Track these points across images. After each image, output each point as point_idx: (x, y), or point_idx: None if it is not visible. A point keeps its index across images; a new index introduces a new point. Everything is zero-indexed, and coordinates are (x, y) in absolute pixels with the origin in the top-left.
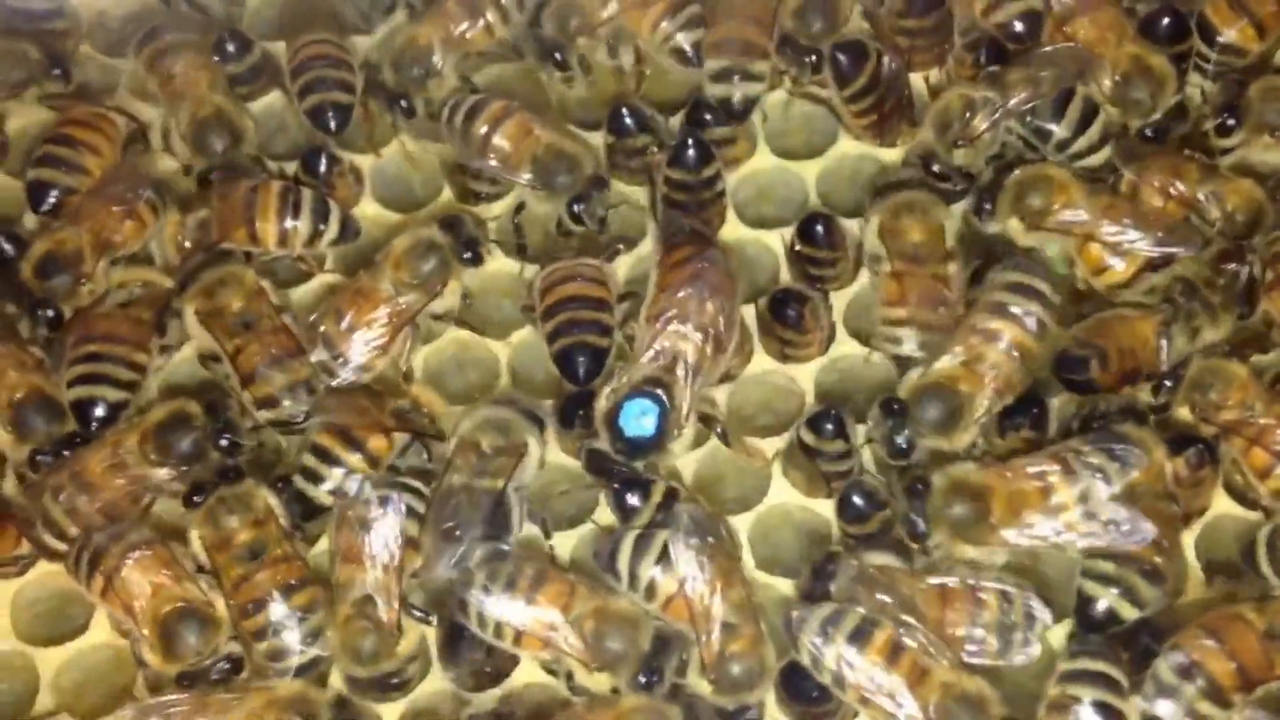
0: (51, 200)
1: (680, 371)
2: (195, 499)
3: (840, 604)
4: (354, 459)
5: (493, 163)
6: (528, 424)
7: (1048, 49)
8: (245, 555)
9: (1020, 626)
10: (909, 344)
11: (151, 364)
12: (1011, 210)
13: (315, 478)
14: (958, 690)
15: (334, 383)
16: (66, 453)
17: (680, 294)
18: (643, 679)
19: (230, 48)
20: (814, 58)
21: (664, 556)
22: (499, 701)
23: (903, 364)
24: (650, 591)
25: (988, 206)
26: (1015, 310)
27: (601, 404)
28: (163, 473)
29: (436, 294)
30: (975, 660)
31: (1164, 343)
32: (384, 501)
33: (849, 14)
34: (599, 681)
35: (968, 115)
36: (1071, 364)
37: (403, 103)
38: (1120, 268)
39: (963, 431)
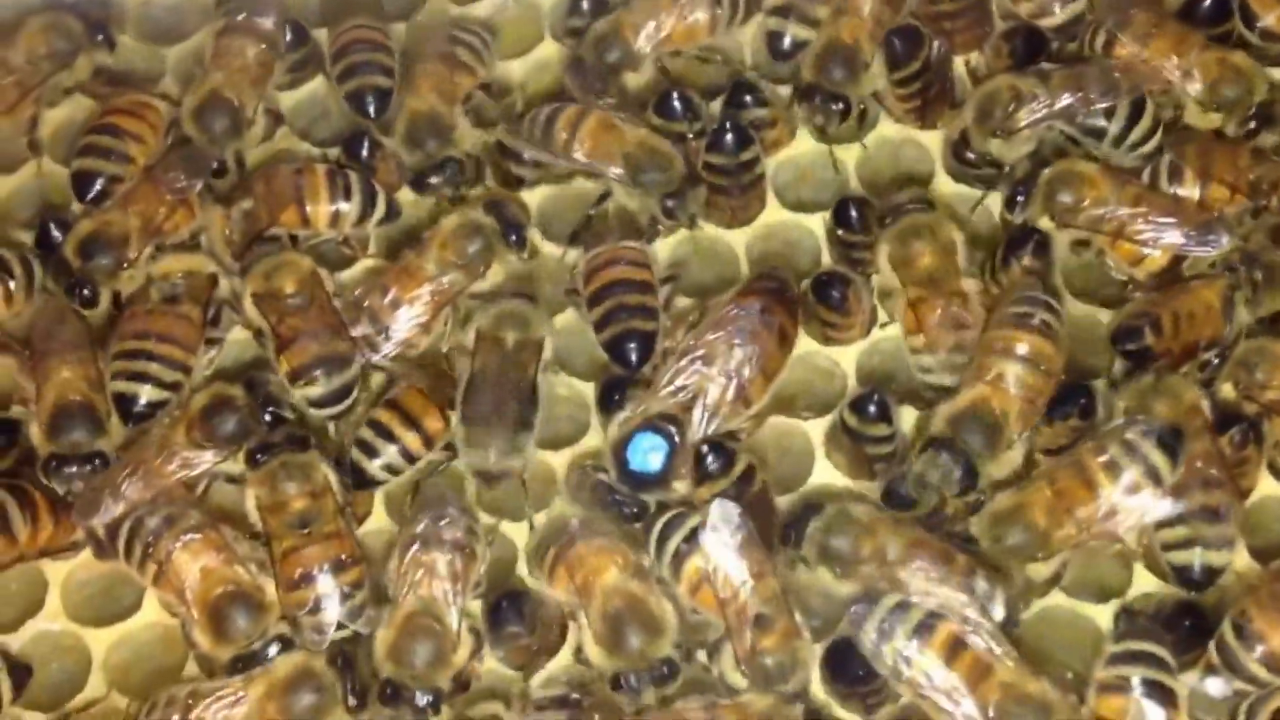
0: (96, 189)
1: (697, 413)
2: (259, 457)
3: (902, 599)
4: (410, 437)
5: (580, 158)
6: (540, 312)
7: (1100, 61)
8: (296, 524)
9: None
10: (938, 372)
11: (199, 365)
12: (1044, 207)
13: (371, 451)
14: (1019, 691)
15: (375, 358)
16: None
17: (711, 335)
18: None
19: (290, 39)
20: (841, 105)
21: (693, 537)
22: (568, 686)
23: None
24: (676, 569)
25: (1021, 198)
26: (1025, 318)
27: (613, 431)
28: (210, 455)
29: (480, 275)
30: None
31: (1230, 308)
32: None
33: (869, 59)
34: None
35: (1012, 107)
36: (1126, 333)
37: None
38: (1158, 254)
39: (1007, 449)
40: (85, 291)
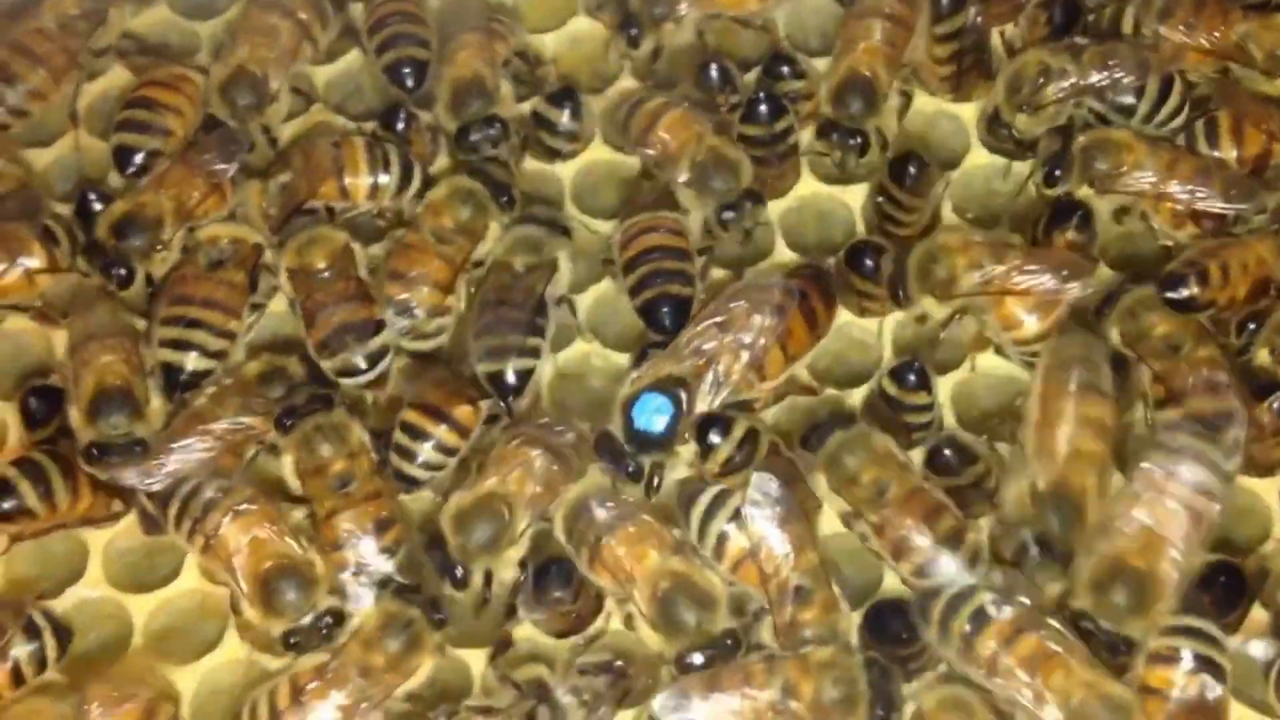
0: (136, 163)
1: (708, 378)
2: (286, 421)
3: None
4: (442, 430)
5: (651, 153)
6: (557, 238)
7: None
8: (336, 485)
9: None
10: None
11: (242, 330)
12: (1081, 176)
13: (409, 455)
14: (1100, 691)
15: (406, 334)
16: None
17: (734, 303)
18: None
19: (331, 13)
20: (859, 139)
21: (737, 517)
22: (610, 652)
23: None
24: (719, 551)
25: (1057, 173)
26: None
27: (624, 389)
28: (259, 421)
29: (481, 238)
30: None
31: None
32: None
33: (887, 92)
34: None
35: (1040, 81)
36: (1172, 280)
37: None
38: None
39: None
40: (121, 271)
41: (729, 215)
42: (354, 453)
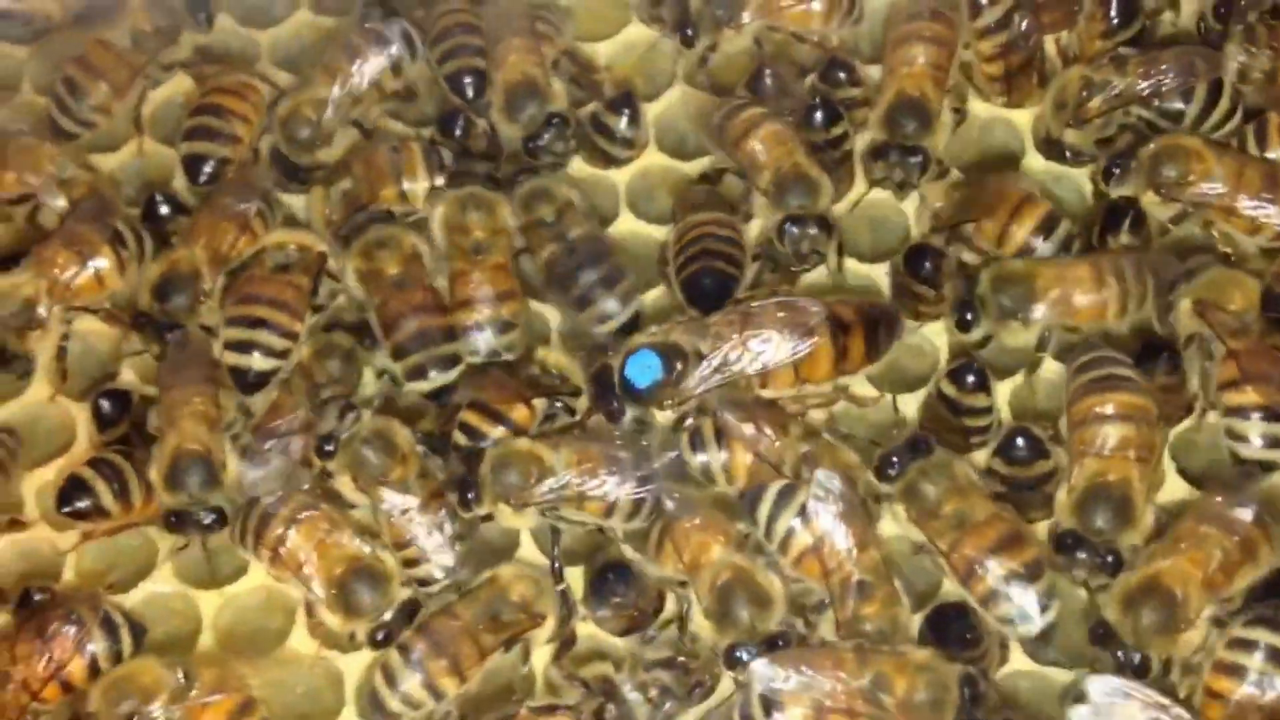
0: (207, 172)
1: (708, 360)
2: (327, 449)
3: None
4: (499, 432)
5: (742, 158)
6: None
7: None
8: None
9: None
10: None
11: (304, 333)
12: (1148, 182)
13: None
14: None
15: (480, 352)
16: None
17: (775, 309)
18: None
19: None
20: (920, 157)
21: (803, 512)
22: (675, 648)
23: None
24: (785, 545)
25: (1116, 171)
26: (1111, 376)
27: (640, 337)
28: (329, 389)
29: (507, 228)
30: None
31: None
32: None
33: (939, 108)
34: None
35: (1084, 95)
36: (1273, 300)
37: None
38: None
39: (1138, 523)
40: (176, 334)
41: (792, 229)
42: (405, 456)
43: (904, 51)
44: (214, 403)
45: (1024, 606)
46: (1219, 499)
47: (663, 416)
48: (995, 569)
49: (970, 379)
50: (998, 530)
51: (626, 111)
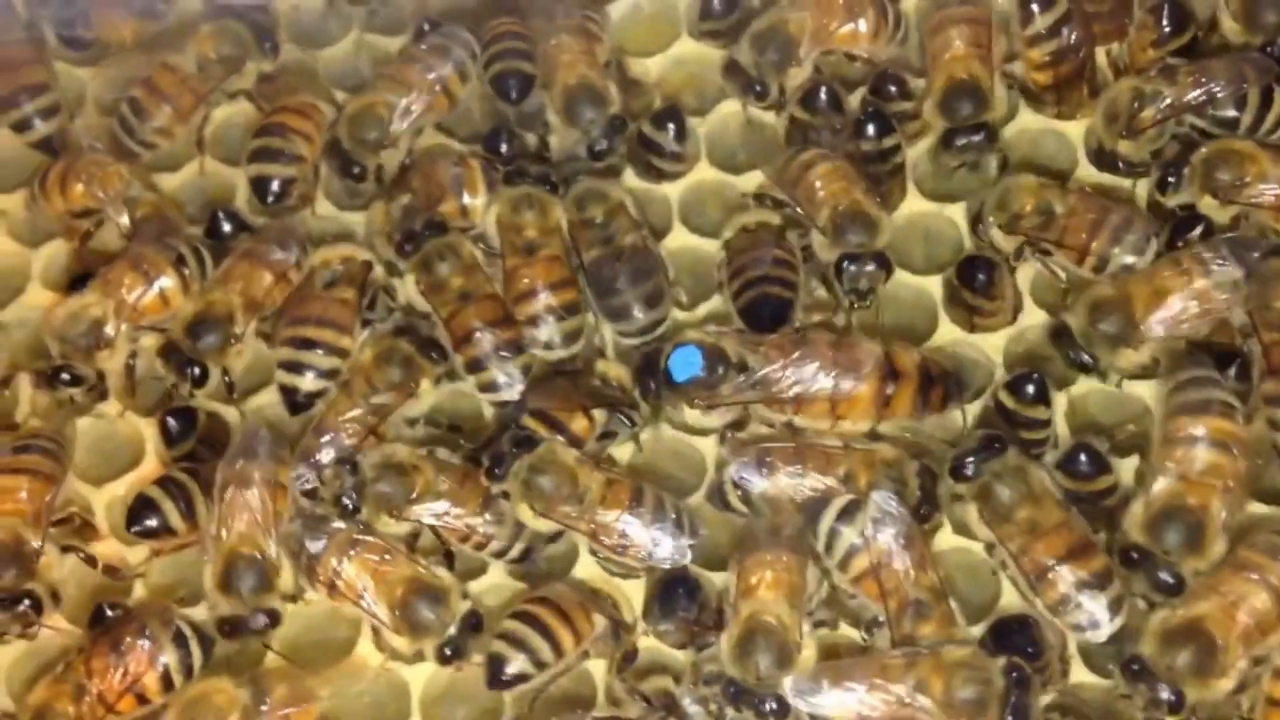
0: (274, 191)
1: (750, 374)
2: (349, 508)
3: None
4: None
5: (799, 199)
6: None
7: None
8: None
9: None
10: None
11: (355, 347)
12: (1203, 187)
13: None
14: None
15: (543, 344)
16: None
17: (826, 345)
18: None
19: (426, 28)
20: (983, 132)
21: (863, 532)
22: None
23: None
24: (845, 564)
25: (1172, 180)
26: (1203, 400)
27: (693, 333)
28: (392, 396)
29: (558, 225)
30: None
31: None
32: None
33: (990, 83)
34: None
35: (1135, 106)
36: None
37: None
38: None
39: (1208, 551)
40: (195, 371)
41: (850, 267)
42: (416, 467)
43: (942, 38)
44: (271, 502)
45: (1094, 613)
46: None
47: (691, 415)
48: (1066, 576)
49: (1030, 390)
50: (1068, 538)
51: (672, 126)
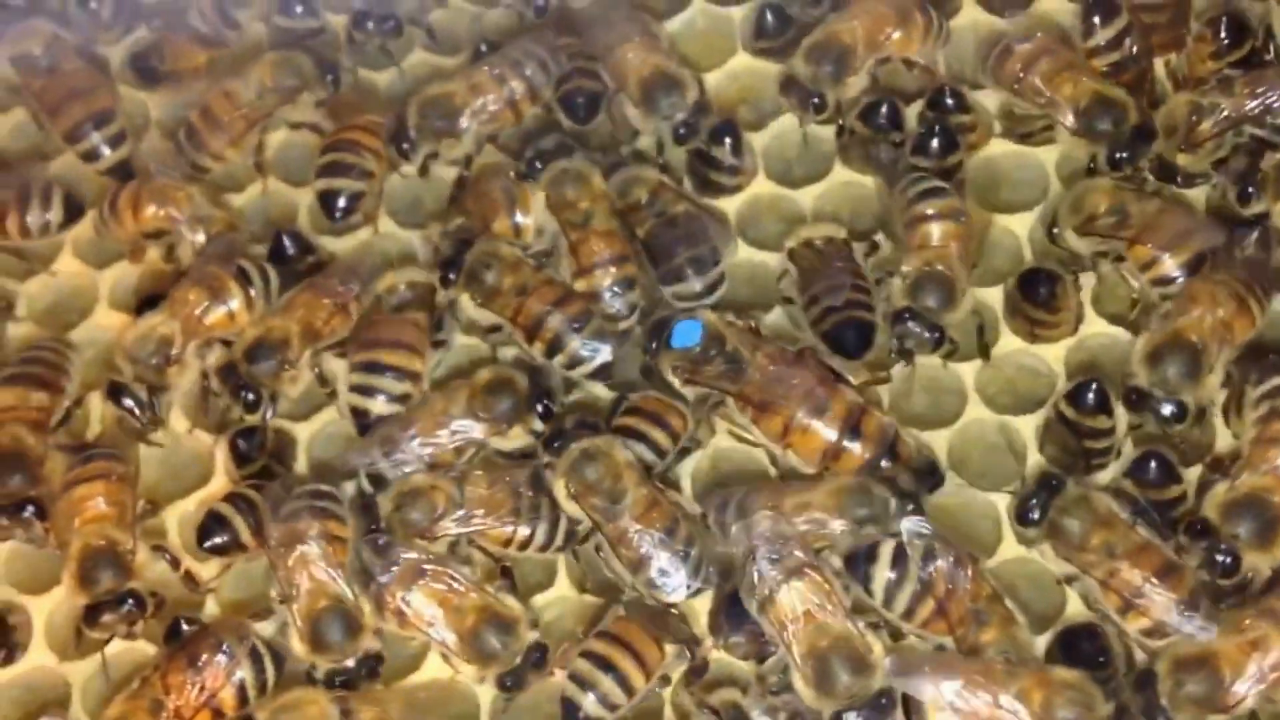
0: (342, 206)
1: (733, 366)
2: (555, 445)
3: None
4: (658, 433)
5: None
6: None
7: None
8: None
9: None
10: None
11: (427, 368)
12: (1276, 195)
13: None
14: None
15: (612, 310)
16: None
17: (818, 370)
18: None
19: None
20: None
21: (900, 564)
22: None
23: None
24: (909, 615)
25: (1251, 191)
26: None
27: (709, 313)
28: (481, 429)
29: (605, 194)
30: None
31: None
32: None
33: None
34: None
35: (1193, 120)
36: None
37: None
38: None
39: (1273, 548)
40: (249, 395)
41: (908, 324)
42: (434, 487)
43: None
44: (330, 547)
45: (1198, 629)
46: None
47: (673, 378)
48: (1159, 599)
49: (1090, 399)
50: (1153, 560)
51: (729, 140)
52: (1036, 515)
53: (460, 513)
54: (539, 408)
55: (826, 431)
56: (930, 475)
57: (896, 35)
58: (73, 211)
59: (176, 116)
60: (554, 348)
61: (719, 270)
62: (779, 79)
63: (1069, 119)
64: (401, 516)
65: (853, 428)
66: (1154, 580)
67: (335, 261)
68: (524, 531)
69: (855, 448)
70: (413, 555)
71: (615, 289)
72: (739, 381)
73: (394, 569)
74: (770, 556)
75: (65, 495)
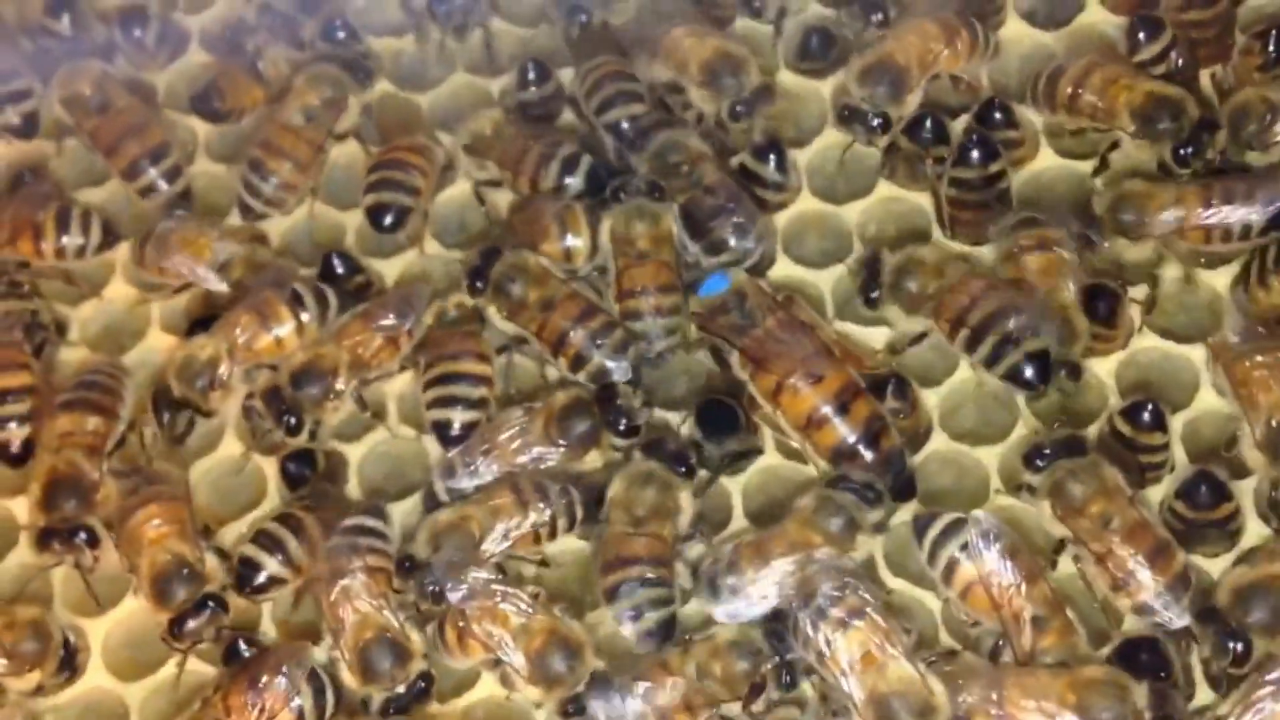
0: (389, 220)
1: (746, 319)
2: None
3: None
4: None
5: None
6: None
7: None
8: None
9: None
10: None
11: (496, 373)
12: None
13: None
14: None
15: (649, 337)
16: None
17: (830, 338)
18: None
19: (531, 75)
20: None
21: (966, 546)
22: None
23: None
24: (948, 575)
25: None
26: None
27: (740, 274)
28: (558, 453)
29: (668, 232)
30: None
31: None
32: None
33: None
34: None
35: (1267, 119)
36: None
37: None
38: None
39: None
40: (291, 420)
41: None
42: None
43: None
44: (373, 581)
45: (1172, 616)
46: None
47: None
48: (1146, 581)
49: (1145, 416)
50: (1146, 539)
51: (773, 157)
52: (1041, 463)
53: (495, 530)
54: (620, 427)
55: (814, 398)
56: (897, 473)
57: (945, 53)
58: (110, 238)
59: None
60: (579, 363)
61: (762, 225)
62: (835, 112)
63: (1129, 124)
64: (446, 560)
65: (842, 404)
66: (1143, 560)
67: (390, 292)
68: (545, 517)
69: (838, 424)
70: (483, 575)
71: (656, 314)
72: (745, 335)
73: (464, 589)
74: (830, 596)
75: (125, 524)
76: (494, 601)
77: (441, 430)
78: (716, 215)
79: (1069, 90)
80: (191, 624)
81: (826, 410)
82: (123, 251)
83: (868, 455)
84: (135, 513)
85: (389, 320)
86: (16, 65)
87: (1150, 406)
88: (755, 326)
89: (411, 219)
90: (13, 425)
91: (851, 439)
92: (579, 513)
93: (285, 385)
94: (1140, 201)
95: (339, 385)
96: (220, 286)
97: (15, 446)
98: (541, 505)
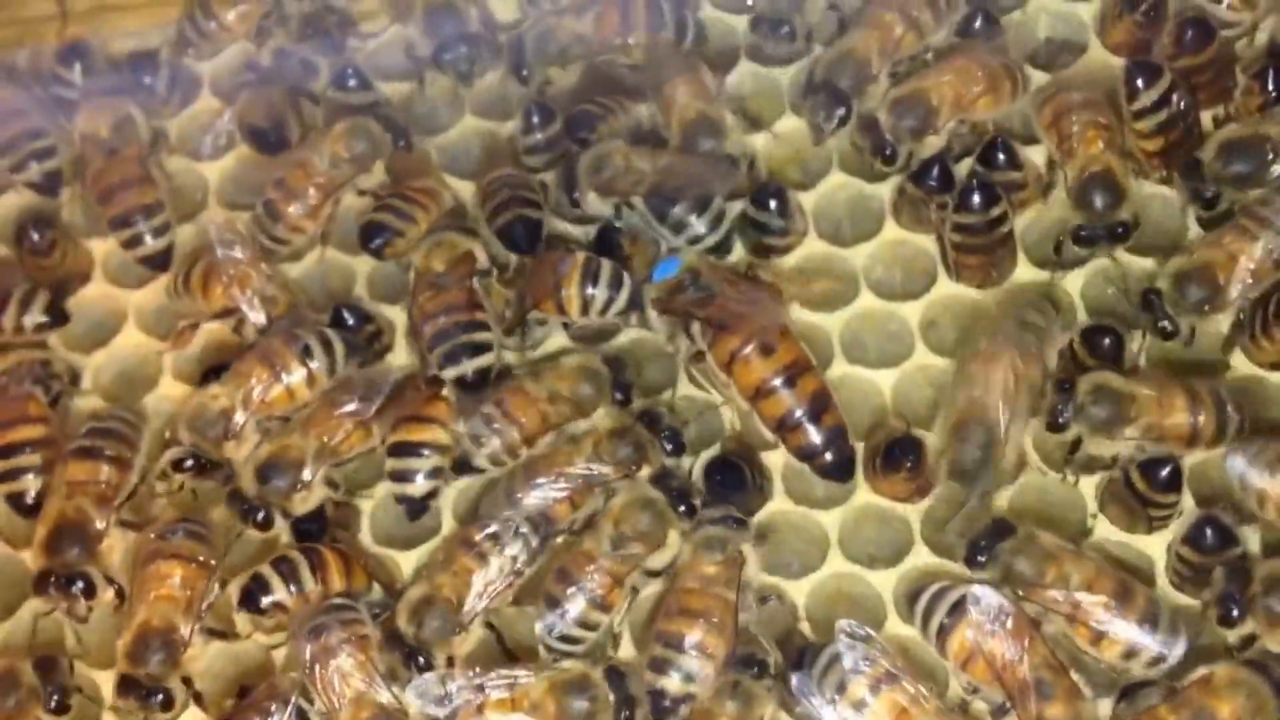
0: (378, 241)
1: (701, 300)
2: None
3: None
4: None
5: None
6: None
7: None
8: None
9: None
10: None
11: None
12: None
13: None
14: None
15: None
16: None
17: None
18: None
19: (535, 119)
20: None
21: (956, 611)
22: None
23: None
24: (942, 644)
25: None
26: None
27: (695, 258)
28: (608, 471)
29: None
30: None
31: None
32: None
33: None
34: None
35: (1270, 157)
36: None
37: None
38: None
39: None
40: (260, 516)
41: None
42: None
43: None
44: (362, 655)
45: (1160, 651)
46: None
47: (650, 309)
48: (1121, 625)
49: (1163, 477)
50: (1107, 583)
51: (774, 202)
52: (984, 557)
53: (474, 588)
54: (666, 442)
55: (763, 370)
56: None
57: (985, 98)
58: (57, 317)
59: (248, 195)
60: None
61: (719, 205)
62: (859, 119)
63: (1069, 178)
64: (423, 634)
65: (789, 378)
66: (1111, 603)
67: (355, 375)
68: (509, 557)
69: (784, 394)
70: (462, 681)
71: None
72: (706, 307)
73: (452, 706)
74: (859, 666)
75: (145, 567)
76: (487, 695)
77: (404, 504)
78: (675, 195)
79: (1049, 115)
80: (131, 700)
81: (776, 382)
82: (136, 298)
83: (810, 429)
84: (158, 561)
85: (353, 406)
86: (42, 121)
87: (1170, 467)
88: (714, 297)
89: (398, 243)
90: (28, 477)
91: (798, 412)
92: (536, 548)
93: (249, 484)
94: None
95: (305, 476)
96: (261, 319)
97: (29, 498)
98: (493, 556)
